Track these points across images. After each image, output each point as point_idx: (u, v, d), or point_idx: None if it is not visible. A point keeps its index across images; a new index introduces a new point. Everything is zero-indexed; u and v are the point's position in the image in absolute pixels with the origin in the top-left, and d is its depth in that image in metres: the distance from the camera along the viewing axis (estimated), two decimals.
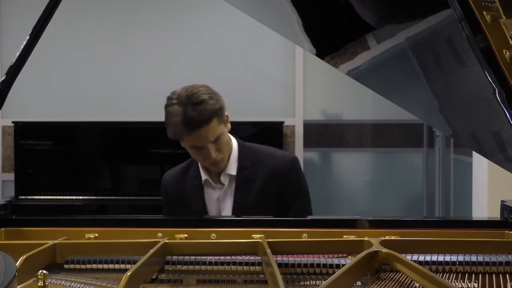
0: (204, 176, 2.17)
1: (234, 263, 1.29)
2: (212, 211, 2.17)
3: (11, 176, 4.33)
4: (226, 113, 2.10)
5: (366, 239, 1.34)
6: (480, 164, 3.09)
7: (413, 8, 1.16)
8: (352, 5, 1.34)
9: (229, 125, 2.13)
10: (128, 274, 1.05)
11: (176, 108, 2.02)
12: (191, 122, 1.99)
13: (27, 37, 1.43)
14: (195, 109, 2.00)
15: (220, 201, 2.16)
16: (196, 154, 2.10)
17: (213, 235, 1.51)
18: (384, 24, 1.34)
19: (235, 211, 2.13)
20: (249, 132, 4.08)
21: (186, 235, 1.49)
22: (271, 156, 2.19)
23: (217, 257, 1.30)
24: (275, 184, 2.13)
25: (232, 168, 2.14)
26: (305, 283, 1.25)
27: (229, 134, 2.17)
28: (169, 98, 2.08)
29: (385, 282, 1.17)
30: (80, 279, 1.21)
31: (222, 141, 2.07)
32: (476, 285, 1.21)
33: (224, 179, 2.15)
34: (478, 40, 0.94)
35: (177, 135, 2.06)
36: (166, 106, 2.08)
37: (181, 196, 2.20)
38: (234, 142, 2.18)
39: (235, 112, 4.20)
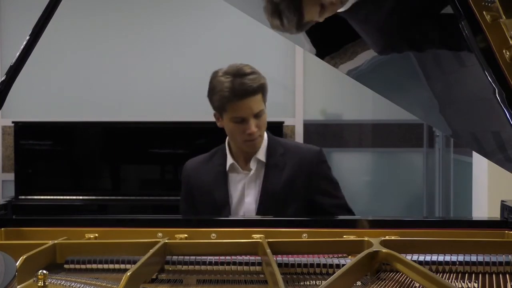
0: (230, 160, 2.18)
1: (234, 263, 1.29)
2: (234, 198, 2.16)
3: (11, 176, 4.33)
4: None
5: (366, 239, 1.34)
6: (480, 164, 3.09)
7: (413, 8, 1.16)
8: (352, 5, 1.34)
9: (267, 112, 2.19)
10: (128, 274, 1.05)
11: (223, 78, 2.10)
12: (240, 90, 2.06)
13: (27, 37, 1.43)
14: (245, 78, 2.08)
15: (245, 187, 2.16)
16: (235, 128, 2.11)
17: (213, 235, 1.51)
18: (384, 25, 1.34)
19: (263, 197, 2.13)
20: None
21: (186, 235, 1.49)
22: (299, 146, 2.30)
23: (217, 257, 1.30)
24: (303, 175, 2.15)
25: (262, 155, 2.17)
26: (305, 283, 1.25)
27: None
28: (214, 72, 2.16)
29: (385, 282, 1.17)
30: (80, 279, 1.21)
31: (263, 119, 2.13)
32: (476, 285, 1.21)
33: (253, 164, 2.16)
34: (478, 40, 0.94)
35: (223, 102, 2.09)
36: (212, 79, 2.14)
37: (203, 183, 2.19)
38: (265, 132, 2.22)
39: None
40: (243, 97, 2.06)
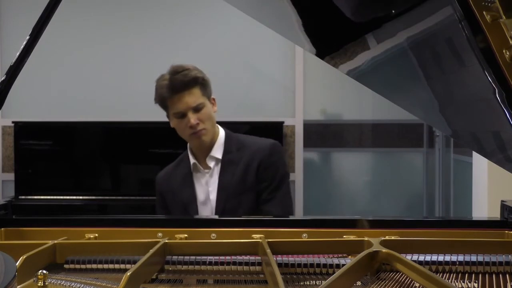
0: (192, 160, 2.27)
1: (234, 263, 1.29)
2: (200, 196, 2.26)
3: (11, 176, 4.33)
4: (213, 97, 2.26)
5: (366, 239, 1.34)
6: (480, 164, 3.09)
7: (413, 8, 1.16)
8: (352, 5, 1.34)
9: (215, 108, 2.27)
10: (128, 274, 1.05)
11: (164, 76, 2.25)
12: (174, 85, 2.19)
13: (27, 37, 1.43)
14: (179, 74, 2.22)
15: (208, 185, 2.26)
16: (179, 124, 2.22)
17: (213, 235, 1.51)
18: (384, 24, 1.34)
19: (219, 192, 2.22)
20: (249, 132, 4.07)
21: (186, 235, 1.49)
22: (253, 143, 2.35)
23: (217, 257, 1.30)
24: (254, 166, 2.23)
25: (218, 152, 2.26)
26: (305, 283, 1.25)
27: (218, 125, 2.31)
28: (159, 76, 2.29)
29: (385, 282, 1.17)
30: (80, 279, 1.20)
31: (204, 112, 2.21)
32: (476, 285, 1.21)
33: (210, 162, 2.26)
34: (478, 40, 0.94)
35: (163, 100, 2.22)
36: (156, 81, 2.29)
37: (171, 186, 2.30)
38: (221, 130, 2.30)
39: (235, 112, 4.22)
40: (178, 92, 2.19)
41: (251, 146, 2.28)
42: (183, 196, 2.27)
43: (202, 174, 2.28)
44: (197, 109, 2.19)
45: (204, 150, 2.26)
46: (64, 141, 4.29)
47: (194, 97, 2.19)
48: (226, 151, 2.26)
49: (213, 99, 2.27)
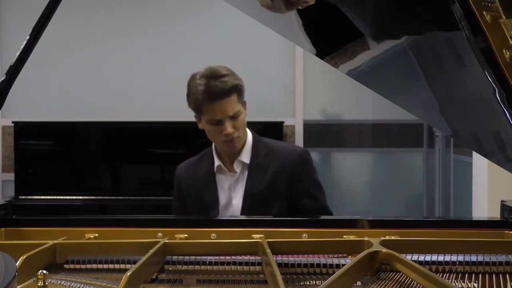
0: (217, 162, 2.20)
1: (234, 263, 1.29)
2: (222, 199, 2.19)
3: (11, 176, 4.33)
4: (244, 99, 2.17)
5: (366, 239, 1.34)
6: (480, 164, 3.09)
7: (413, 8, 1.16)
8: (352, 5, 1.34)
9: (246, 111, 2.19)
10: (128, 274, 1.05)
11: (199, 80, 2.11)
12: (212, 92, 2.07)
13: (27, 37, 1.43)
14: (217, 80, 2.09)
15: (232, 189, 2.19)
16: (213, 130, 2.14)
17: (213, 235, 1.51)
18: (384, 24, 1.34)
19: (246, 198, 2.15)
20: None
21: (186, 235, 1.49)
22: (283, 147, 2.28)
23: (217, 257, 1.30)
24: (285, 175, 2.16)
25: (246, 156, 2.18)
26: (305, 283, 1.25)
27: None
28: (192, 75, 2.17)
29: (385, 282, 1.17)
30: (80, 279, 1.21)
31: (240, 119, 2.13)
32: (476, 285, 1.21)
33: (237, 166, 2.19)
34: (478, 40, 0.94)
35: (198, 105, 2.12)
36: (189, 81, 2.16)
37: (193, 184, 2.23)
38: (249, 133, 2.23)
39: None
40: (217, 99, 2.08)
41: (279, 153, 2.19)
42: (204, 196, 2.19)
43: (226, 177, 2.20)
44: (234, 117, 2.11)
45: (233, 154, 2.19)
46: (64, 141, 4.29)
47: (232, 105, 2.09)
48: (254, 156, 2.18)
49: (244, 102, 2.18)
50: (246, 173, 2.18)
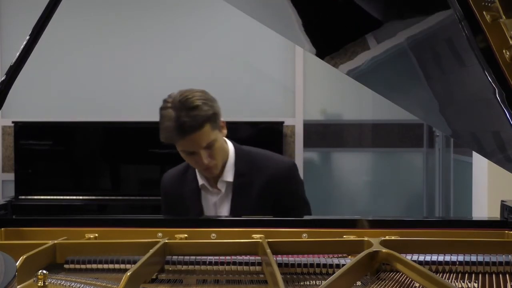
0: (201, 181, 2.16)
1: (234, 263, 1.29)
2: (209, 214, 2.17)
3: (11, 176, 4.33)
4: (221, 119, 2.09)
5: (366, 239, 1.34)
6: (480, 164, 3.09)
7: (413, 8, 1.16)
8: (352, 5, 1.34)
9: (224, 131, 2.12)
10: (128, 274, 1.05)
11: (170, 112, 2.02)
12: (183, 127, 1.99)
13: (27, 37, 1.43)
14: (187, 114, 1.99)
15: (217, 207, 2.16)
16: (189, 159, 2.10)
17: (213, 235, 1.51)
18: (384, 24, 1.34)
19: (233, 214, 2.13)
20: (249, 132, 4.07)
21: (186, 235, 1.49)
22: (268, 162, 2.17)
23: (217, 257, 1.30)
24: (272, 191, 2.11)
25: (229, 175, 2.13)
26: (305, 283, 1.25)
27: (226, 139, 2.15)
28: (164, 101, 2.08)
29: (385, 282, 1.17)
30: (80, 279, 1.20)
31: (215, 147, 2.05)
32: (476, 285, 1.21)
33: (221, 185, 2.14)
34: (478, 40, 0.94)
35: (169, 139, 2.06)
36: (161, 109, 2.08)
37: (180, 198, 2.21)
38: (231, 147, 2.16)
39: (235, 112, 4.22)
40: (187, 134, 2.00)
41: (264, 169, 2.12)
42: (191, 211, 2.17)
43: (211, 195, 2.16)
44: (208, 146, 2.03)
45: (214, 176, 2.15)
46: (64, 141, 4.29)
47: (205, 137, 2.01)
48: (237, 174, 2.12)
49: (223, 123, 2.10)
50: (230, 193, 2.13)
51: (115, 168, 4.26)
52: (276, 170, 2.14)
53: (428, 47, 1.25)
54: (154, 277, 1.29)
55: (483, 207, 3.06)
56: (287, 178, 2.15)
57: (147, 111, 4.30)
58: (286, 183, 2.14)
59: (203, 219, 1.83)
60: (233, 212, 2.12)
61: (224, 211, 2.15)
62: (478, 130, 1.40)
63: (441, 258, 1.25)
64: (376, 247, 1.25)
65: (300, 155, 4.36)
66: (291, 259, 1.27)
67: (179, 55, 4.43)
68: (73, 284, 1.17)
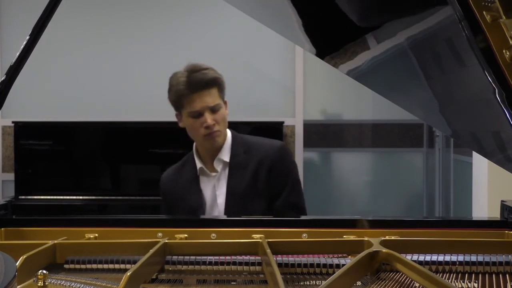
0: (199, 165, 2.23)
1: (234, 263, 1.29)
2: (208, 200, 2.22)
3: (11, 176, 4.33)
4: (226, 100, 2.22)
5: (366, 239, 1.34)
6: (480, 164, 3.09)
7: (413, 8, 1.16)
8: (352, 5, 1.34)
9: (227, 111, 2.23)
10: (128, 274, 1.05)
11: (181, 72, 2.19)
12: (193, 83, 2.14)
13: (27, 37, 1.43)
14: (198, 73, 2.16)
15: (216, 188, 2.22)
16: (193, 123, 2.17)
17: (213, 235, 1.51)
18: (384, 24, 1.34)
19: (228, 197, 2.18)
20: (249, 132, 4.07)
21: (186, 235, 1.49)
22: (260, 145, 2.28)
23: (217, 257, 1.30)
24: (264, 171, 2.19)
25: (226, 155, 2.22)
26: (305, 283, 1.25)
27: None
28: (174, 73, 2.24)
29: (385, 282, 1.17)
30: (80, 279, 1.20)
31: (220, 114, 2.17)
32: (476, 285, 1.21)
33: (217, 164, 2.22)
34: (478, 40, 0.94)
35: (179, 96, 2.17)
36: (171, 78, 2.23)
37: (177, 190, 2.26)
38: (228, 132, 2.26)
39: (235, 112, 4.20)
40: (197, 90, 2.13)
41: (258, 149, 2.23)
42: (191, 201, 2.21)
43: (209, 178, 2.23)
44: (214, 109, 2.15)
45: (213, 152, 2.21)
46: (64, 141, 4.29)
47: (212, 97, 2.15)
48: (233, 154, 2.21)
49: (225, 102, 2.22)
50: (227, 172, 2.21)
51: (115, 168, 4.26)
52: (269, 149, 2.25)
53: (428, 47, 1.25)
54: (154, 277, 1.29)
55: (483, 207, 3.06)
56: (278, 158, 2.23)
57: (147, 111, 4.31)
58: (277, 162, 2.22)
59: (203, 219, 1.83)
60: (229, 193, 2.19)
61: (221, 192, 2.21)
62: (478, 130, 1.40)
63: (441, 258, 1.25)
64: (376, 247, 1.25)
65: (300, 155, 4.36)
66: (291, 259, 1.27)
67: (179, 55, 4.42)
68: (73, 284, 1.17)
